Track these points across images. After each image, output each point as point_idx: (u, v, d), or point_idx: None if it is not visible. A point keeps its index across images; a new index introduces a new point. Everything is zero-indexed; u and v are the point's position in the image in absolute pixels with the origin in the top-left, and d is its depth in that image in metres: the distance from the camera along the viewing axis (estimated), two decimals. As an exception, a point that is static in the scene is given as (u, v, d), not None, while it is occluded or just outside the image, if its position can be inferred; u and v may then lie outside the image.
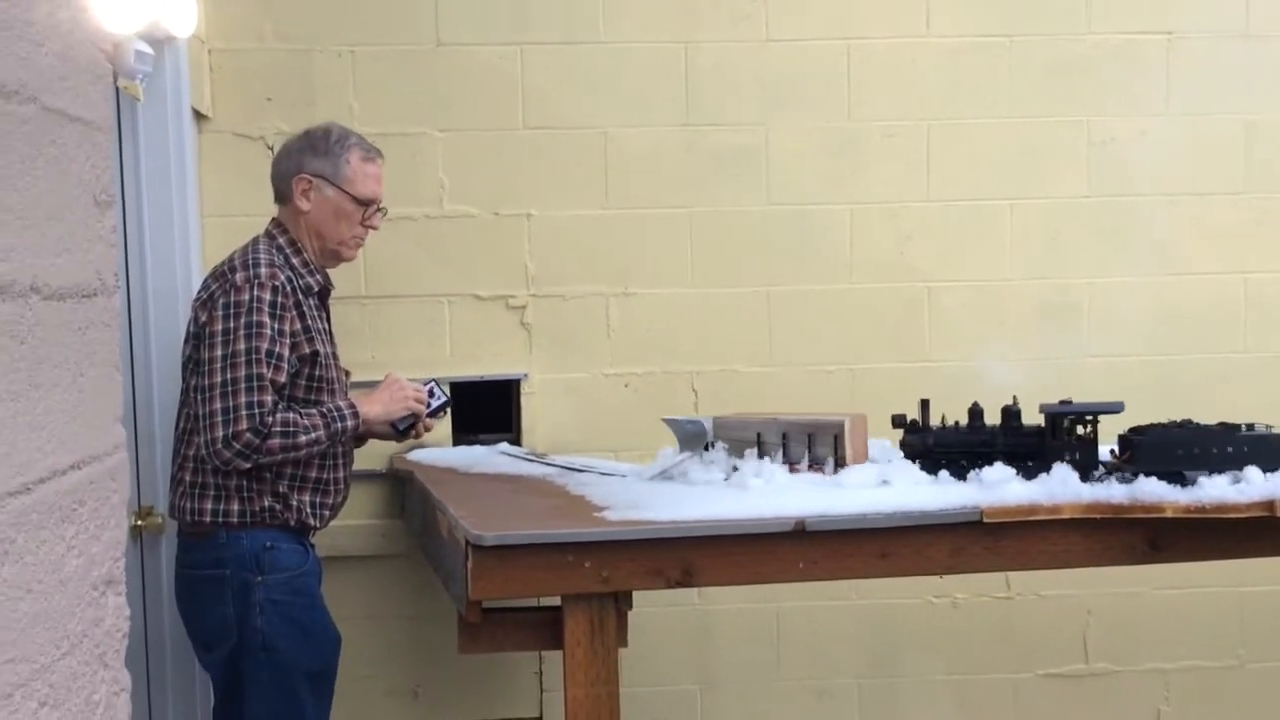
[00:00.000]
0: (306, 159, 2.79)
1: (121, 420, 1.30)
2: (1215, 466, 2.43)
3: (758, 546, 2.35)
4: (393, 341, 3.44)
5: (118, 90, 2.76)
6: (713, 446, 2.73)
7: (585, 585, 2.30)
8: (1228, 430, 2.49)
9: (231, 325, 2.60)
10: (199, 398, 2.60)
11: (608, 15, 3.48)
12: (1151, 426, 2.53)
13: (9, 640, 1.02)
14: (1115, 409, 2.49)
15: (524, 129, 3.48)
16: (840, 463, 2.52)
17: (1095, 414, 2.50)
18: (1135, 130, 3.62)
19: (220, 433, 2.56)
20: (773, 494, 2.47)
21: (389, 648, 3.46)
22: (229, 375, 2.57)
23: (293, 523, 2.71)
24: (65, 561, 1.14)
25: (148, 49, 2.83)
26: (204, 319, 2.65)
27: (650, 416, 3.45)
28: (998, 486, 2.44)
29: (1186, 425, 2.52)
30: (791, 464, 2.58)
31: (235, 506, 2.66)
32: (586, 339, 3.51)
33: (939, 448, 2.56)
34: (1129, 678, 3.67)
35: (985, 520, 2.38)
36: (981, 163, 3.59)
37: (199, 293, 2.74)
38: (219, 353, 2.59)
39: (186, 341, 2.74)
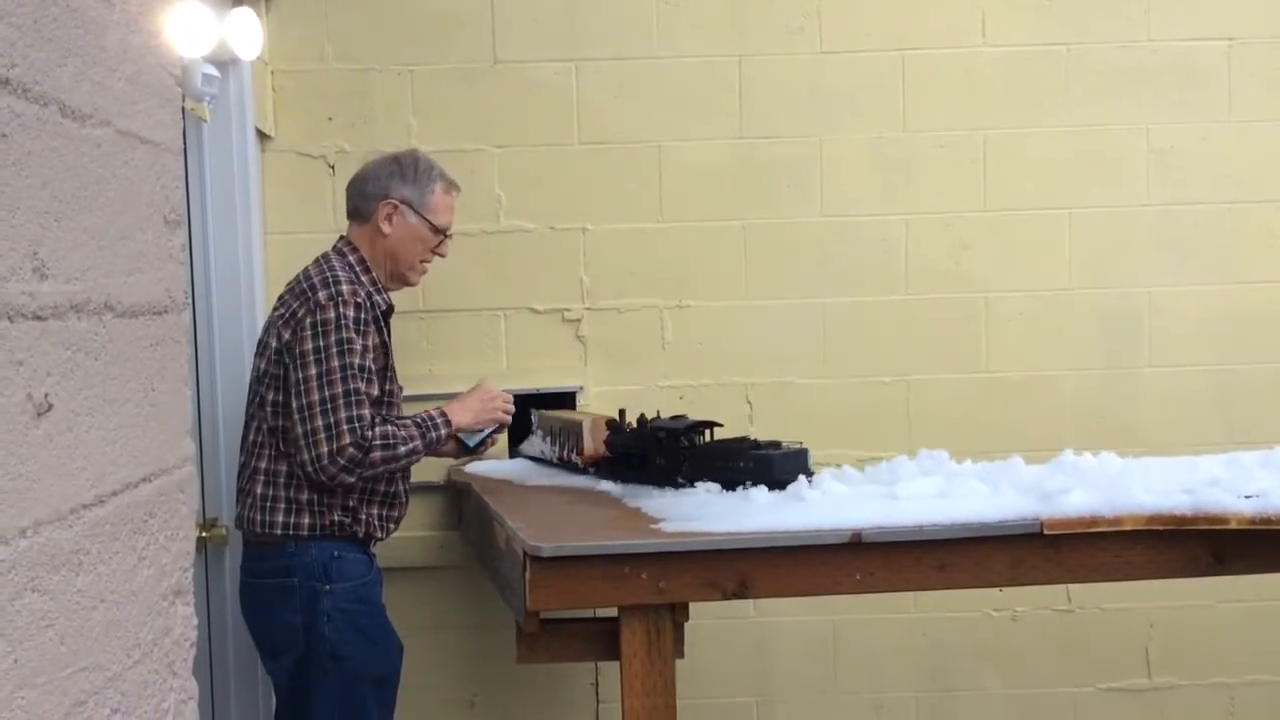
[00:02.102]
0: (395, 184, 2.85)
1: (190, 434, 1.34)
2: (728, 479, 2.63)
3: (814, 558, 2.34)
4: (450, 355, 3.48)
5: (184, 111, 2.82)
6: (535, 433, 3.36)
7: (642, 596, 2.31)
8: (744, 447, 2.67)
9: (322, 343, 2.65)
10: (298, 416, 2.64)
11: (661, 30, 3.50)
12: (720, 442, 2.78)
13: (83, 649, 1.05)
14: (686, 426, 2.79)
15: (579, 144, 3.50)
16: (579, 452, 3.09)
17: (673, 430, 2.79)
18: (1196, 137, 3.57)
19: (325, 449, 2.61)
20: (829, 505, 2.46)
21: (447, 658, 3.49)
22: (327, 392, 2.63)
23: (360, 534, 2.75)
24: (137, 572, 1.17)
25: (214, 71, 2.89)
26: (287, 337, 2.69)
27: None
28: (1057, 497, 2.42)
29: (737, 442, 2.74)
30: (562, 451, 3.19)
31: (306, 520, 2.71)
32: (641, 351, 3.52)
33: (617, 448, 2.97)
34: (1193, 692, 3.61)
35: (1045, 532, 2.36)
36: (1039, 172, 3.57)
37: (278, 309, 2.78)
38: (313, 371, 2.64)
39: (259, 356, 2.78)
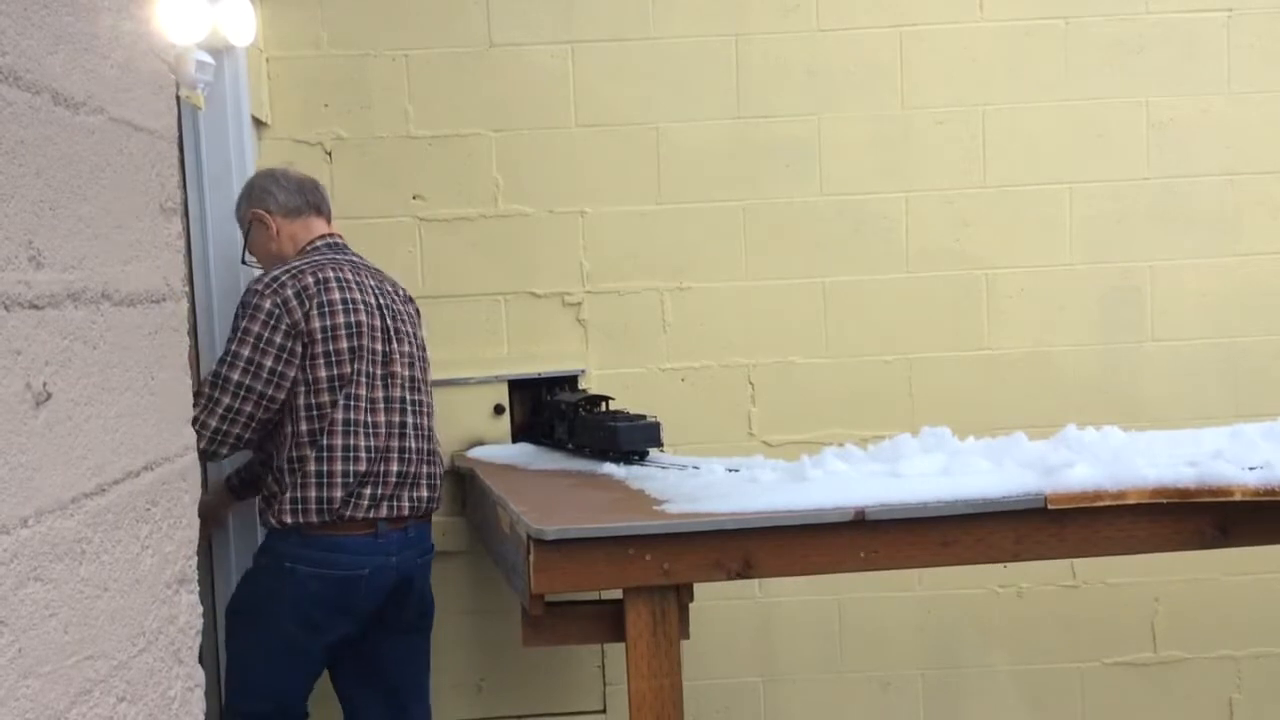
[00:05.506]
0: None
1: (190, 422, 1.33)
2: (600, 447, 2.95)
3: (818, 537, 2.34)
4: (450, 340, 3.47)
5: (179, 99, 2.81)
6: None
7: (646, 578, 2.31)
8: (602, 419, 2.98)
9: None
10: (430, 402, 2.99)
11: (656, 10, 3.48)
12: (596, 414, 3.10)
13: (88, 637, 1.05)
14: (578, 400, 3.16)
15: (576, 127, 3.49)
16: (513, 420, 3.47)
17: (570, 402, 3.17)
18: (1196, 109, 3.56)
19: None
20: (832, 485, 2.46)
21: (453, 642, 3.50)
22: None
23: None
24: (140, 560, 1.17)
25: (208, 59, 2.88)
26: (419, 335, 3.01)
27: (707, 411, 3.46)
28: (1061, 472, 2.41)
29: (609, 415, 3.04)
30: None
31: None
32: (642, 334, 3.52)
33: (536, 417, 3.42)
34: (1199, 666, 3.62)
35: (1049, 507, 2.36)
36: (1039, 147, 3.55)
37: (400, 315, 2.92)
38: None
39: (414, 360, 2.93)
